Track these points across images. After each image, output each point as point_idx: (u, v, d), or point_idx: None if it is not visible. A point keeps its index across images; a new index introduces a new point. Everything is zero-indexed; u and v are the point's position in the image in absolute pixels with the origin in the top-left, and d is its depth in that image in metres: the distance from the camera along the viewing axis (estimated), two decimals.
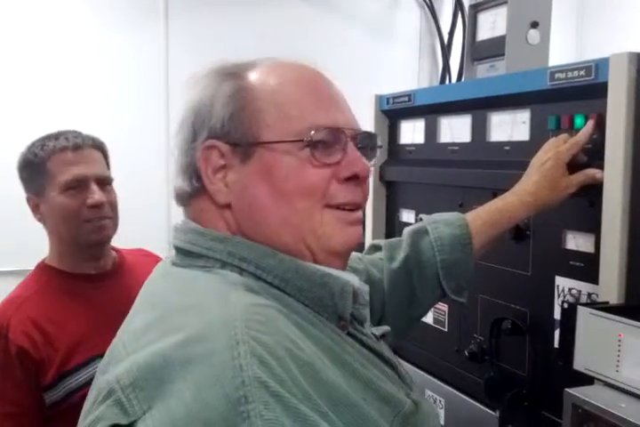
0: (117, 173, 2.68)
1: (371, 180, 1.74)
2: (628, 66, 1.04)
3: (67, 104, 2.39)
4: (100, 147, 1.44)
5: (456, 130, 1.50)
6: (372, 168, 0.84)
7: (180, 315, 0.69)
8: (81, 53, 2.38)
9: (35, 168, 1.38)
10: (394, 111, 1.71)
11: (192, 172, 0.80)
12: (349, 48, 2.83)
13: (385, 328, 0.93)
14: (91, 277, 1.43)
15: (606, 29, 2.93)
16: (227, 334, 0.63)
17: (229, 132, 0.77)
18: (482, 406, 1.42)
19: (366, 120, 1.77)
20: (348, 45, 2.83)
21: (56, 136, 1.40)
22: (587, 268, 1.15)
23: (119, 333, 0.79)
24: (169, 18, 2.53)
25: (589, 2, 3.07)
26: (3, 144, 2.33)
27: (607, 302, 1.00)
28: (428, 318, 1.61)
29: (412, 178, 1.66)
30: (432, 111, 1.58)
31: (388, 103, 1.72)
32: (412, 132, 1.68)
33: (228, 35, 2.61)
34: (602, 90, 1.08)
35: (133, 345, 0.70)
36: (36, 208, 1.42)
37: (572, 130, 1.18)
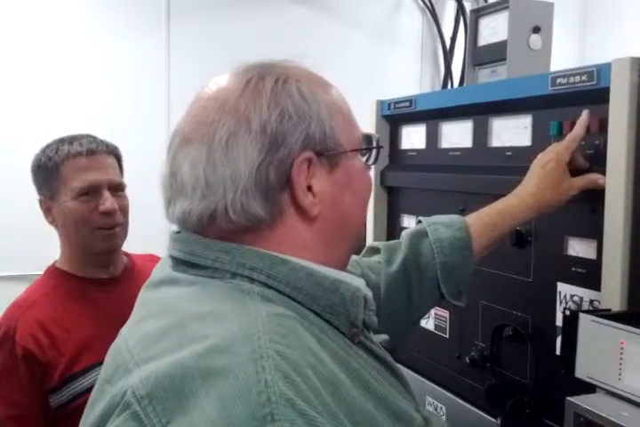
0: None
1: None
2: (630, 71, 1.03)
3: (70, 109, 2.39)
4: (113, 152, 1.44)
5: (457, 135, 1.50)
6: None
7: (197, 323, 0.67)
8: (84, 59, 2.39)
9: (48, 172, 1.38)
10: (395, 116, 1.71)
11: (275, 190, 0.73)
12: (351, 53, 2.83)
13: (383, 337, 0.92)
14: (100, 282, 1.43)
15: (609, 35, 2.93)
16: (250, 347, 0.61)
17: (323, 141, 0.75)
18: (483, 414, 1.40)
19: (367, 125, 1.77)
20: (349, 50, 2.83)
21: (70, 140, 1.40)
22: (589, 274, 1.14)
23: (121, 338, 0.76)
24: (171, 24, 2.53)
25: (592, 7, 3.07)
26: (6, 150, 2.33)
27: (609, 310, 0.99)
28: (430, 325, 1.61)
29: (414, 183, 1.66)
30: (433, 116, 1.57)
31: (389, 108, 1.71)
32: (413, 138, 1.67)
33: (230, 40, 2.61)
34: (604, 95, 1.08)
35: (145, 353, 0.67)
36: (48, 211, 1.41)
37: None
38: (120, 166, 1.46)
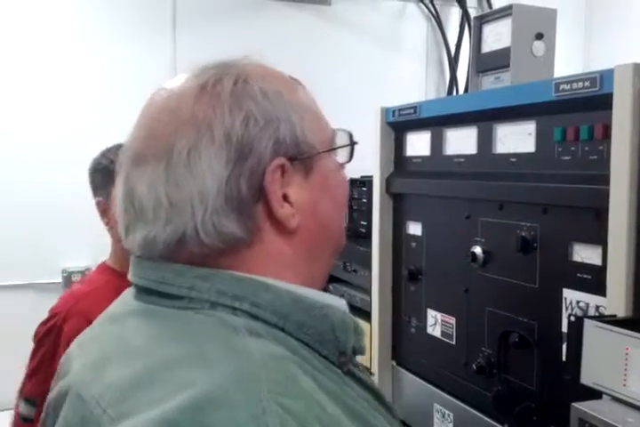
0: None
1: (377, 192, 1.77)
2: (633, 77, 1.04)
3: (76, 116, 2.41)
4: None
5: (462, 142, 1.50)
6: None
7: (178, 368, 0.58)
8: (90, 67, 2.41)
9: (107, 174, 1.42)
10: (399, 123, 1.72)
11: (248, 204, 0.66)
12: (356, 60, 2.84)
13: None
14: None
15: (614, 40, 2.93)
16: (247, 399, 0.53)
17: (296, 145, 0.68)
18: (490, 420, 1.40)
19: (372, 132, 1.77)
20: (354, 57, 2.84)
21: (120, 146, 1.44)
22: (594, 280, 1.14)
23: (78, 382, 0.65)
24: (177, 32, 2.55)
25: (596, 13, 3.07)
26: (12, 159, 2.35)
27: (614, 315, 0.99)
28: (436, 332, 1.61)
29: (419, 190, 1.66)
30: (438, 123, 1.58)
31: (393, 115, 1.72)
32: (417, 145, 1.68)
33: (235, 47, 2.62)
34: (607, 101, 1.08)
35: (120, 407, 0.57)
36: (104, 212, 1.47)
37: (578, 141, 1.17)
38: None
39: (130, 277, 0.72)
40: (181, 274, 0.66)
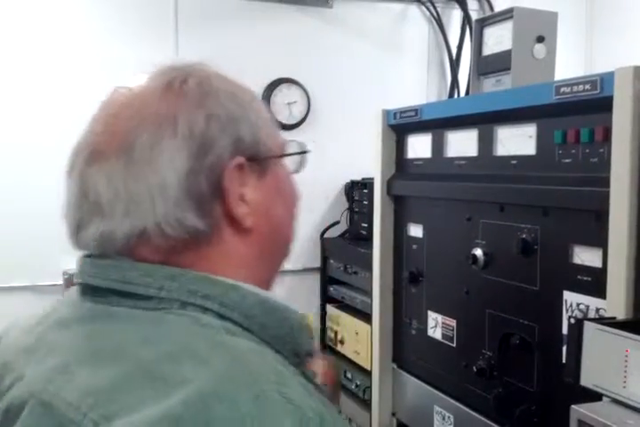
0: None
1: (378, 194, 1.77)
2: (634, 80, 1.04)
3: (78, 119, 2.41)
4: None
5: (463, 144, 1.50)
6: None
7: (169, 365, 0.56)
8: (91, 70, 2.41)
9: None
10: (401, 126, 1.72)
11: (208, 200, 0.66)
12: (358, 62, 2.85)
13: None
14: None
15: (616, 43, 2.94)
16: (249, 391, 0.53)
17: (253, 146, 0.70)
18: (491, 423, 1.40)
19: (374, 134, 1.78)
20: (356, 60, 2.85)
21: None
22: (594, 282, 1.14)
23: (45, 393, 0.59)
24: (179, 35, 2.56)
25: (598, 16, 3.08)
26: (16, 162, 2.35)
27: (614, 318, 1.00)
28: (437, 334, 1.61)
29: (420, 192, 1.66)
30: (439, 126, 1.58)
31: (394, 118, 1.72)
32: (419, 147, 1.68)
33: (237, 50, 2.63)
34: (607, 104, 1.08)
35: (106, 408, 0.54)
36: None
37: (579, 144, 1.18)
38: None
39: (80, 276, 0.69)
40: (149, 273, 0.65)
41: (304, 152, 0.80)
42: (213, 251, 0.68)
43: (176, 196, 0.64)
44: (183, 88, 0.69)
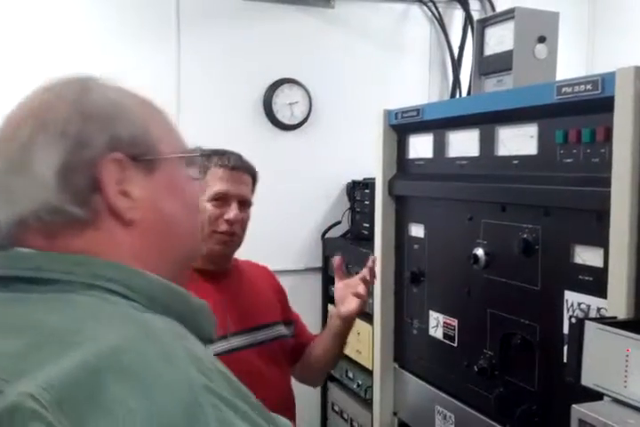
0: None
1: (380, 194, 1.77)
2: (635, 80, 1.04)
3: None
4: (252, 173, 1.62)
5: (464, 144, 1.51)
6: None
7: (77, 326, 0.61)
8: (93, 70, 2.41)
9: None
10: (402, 126, 1.72)
11: (85, 193, 0.71)
12: (359, 62, 2.85)
13: None
14: (210, 274, 1.57)
15: (618, 43, 2.93)
16: (155, 345, 0.60)
17: (135, 144, 0.75)
18: (492, 422, 1.41)
19: (375, 134, 1.78)
20: (358, 60, 2.85)
21: (222, 153, 1.59)
22: (595, 282, 1.15)
23: None
24: (181, 34, 2.56)
25: (600, 16, 3.08)
26: None
27: (615, 317, 1.00)
28: (438, 333, 1.61)
29: (421, 192, 1.67)
30: (440, 126, 1.58)
31: (396, 118, 1.72)
32: (420, 147, 1.68)
33: (239, 49, 2.64)
34: (608, 104, 1.09)
35: (17, 367, 0.56)
36: None
37: (580, 144, 1.18)
38: (254, 187, 1.64)
39: None
40: (56, 261, 0.69)
41: (198, 155, 0.85)
42: (100, 239, 0.72)
43: (53, 187, 0.69)
44: (63, 91, 0.76)
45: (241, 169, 1.58)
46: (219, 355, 1.48)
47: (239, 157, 1.61)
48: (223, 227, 1.53)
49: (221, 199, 1.54)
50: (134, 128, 0.75)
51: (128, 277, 0.70)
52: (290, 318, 1.74)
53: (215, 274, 1.58)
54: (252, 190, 1.64)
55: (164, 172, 0.77)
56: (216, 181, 1.54)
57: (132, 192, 0.73)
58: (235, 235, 1.57)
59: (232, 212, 1.53)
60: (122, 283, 0.69)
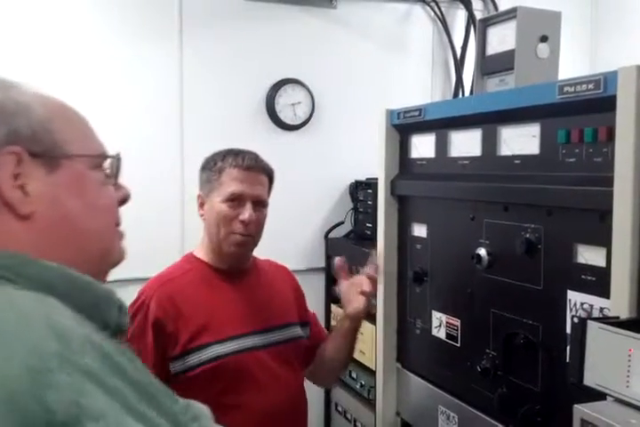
0: (133, 180, 2.69)
1: (382, 194, 1.77)
2: (637, 79, 1.04)
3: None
4: (268, 173, 1.63)
5: (466, 144, 1.50)
6: None
7: None
8: (95, 69, 2.42)
9: (212, 174, 1.59)
10: (404, 126, 1.72)
11: None
12: (362, 62, 2.84)
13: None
14: (227, 273, 1.61)
15: (621, 43, 2.93)
16: (9, 312, 0.62)
17: (36, 140, 0.77)
18: (495, 422, 1.40)
19: (377, 134, 1.78)
20: (360, 60, 2.84)
21: (237, 153, 1.60)
22: (598, 282, 1.14)
23: None
24: (183, 34, 2.56)
25: (603, 15, 3.07)
26: None
27: (618, 317, 0.99)
28: (441, 333, 1.61)
29: (423, 192, 1.66)
30: (442, 125, 1.58)
31: (398, 118, 1.72)
32: (422, 147, 1.68)
33: (242, 49, 2.64)
34: (611, 103, 1.08)
35: None
36: (201, 205, 1.62)
37: (582, 143, 1.18)
38: (270, 186, 1.64)
39: None
40: None
41: (111, 157, 0.87)
42: None
43: None
44: None
45: (256, 169, 1.58)
46: (232, 354, 1.49)
47: (255, 156, 1.61)
48: (239, 228, 1.54)
49: (236, 200, 1.54)
50: (37, 125, 0.77)
51: (20, 264, 0.71)
52: (306, 320, 1.74)
53: (232, 273, 1.60)
54: (269, 190, 1.64)
55: (69, 171, 0.79)
56: (231, 182, 1.55)
57: (29, 186, 0.75)
58: (250, 235, 1.57)
59: (247, 213, 1.54)
60: (12, 270, 0.70)
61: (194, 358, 1.48)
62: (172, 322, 1.49)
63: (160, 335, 1.48)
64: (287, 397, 1.55)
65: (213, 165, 1.59)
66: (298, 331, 1.66)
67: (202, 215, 1.62)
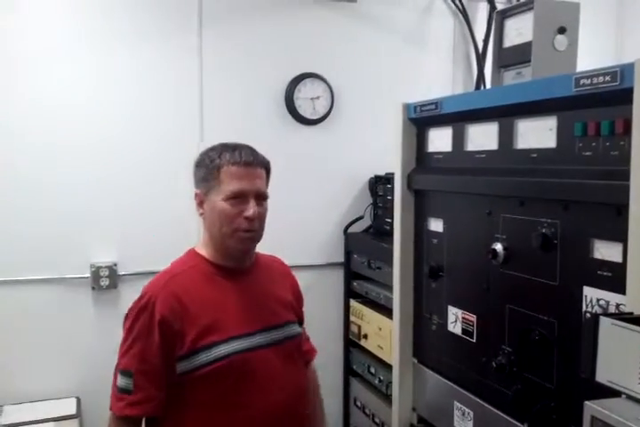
0: (156, 176, 2.68)
1: (398, 188, 1.76)
2: None
3: (105, 116, 2.44)
4: (266, 166, 1.60)
5: (483, 138, 1.49)
6: None
7: None
8: (115, 64, 2.43)
9: (209, 171, 1.55)
10: (421, 119, 1.71)
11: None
12: (383, 57, 2.82)
13: None
14: (230, 271, 1.59)
15: None
16: None
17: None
18: (510, 419, 1.39)
19: (394, 128, 1.77)
20: (380, 54, 2.82)
21: (233, 148, 1.56)
22: (615, 278, 1.12)
23: None
24: (203, 28, 2.56)
25: (629, 6, 3.01)
26: (39, 157, 2.39)
27: (631, 313, 0.98)
28: (457, 329, 1.60)
29: (440, 186, 1.65)
30: (459, 119, 1.57)
31: (415, 111, 1.71)
32: (439, 140, 1.66)
33: (261, 44, 2.64)
34: (628, 95, 1.06)
35: None
36: (200, 204, 1.59)
37: (599, 136, 1.16)
38: (268, 178, 1.62)
39: None
40: None
41: None
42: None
43: None
44: None
45: (254, 163, 1.56)
46: (239, 353, 1.48)
47: (250, 150, 1.58)
48: (244, 225, 1.53)
49: (238, 197, 1.52)
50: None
51: None
52: (302, 319, 1.74)
53: (235, 271, 1.59)
54: (267, 182, 1.62)
55: None
56: (231, 180, 1.52)
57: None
58: (255, 231, 1.56)
59: (251, 209, 1.52)
60: None
61: (201, 358, 1.47)
62: (179, 321, 1.48)
63: (166, 334, 1.47)
64: (291, 394, 1.54)
65: (210, 162, 1.55)
66: (297, 328, 1.65)
67: (201, 214, 1.59)
